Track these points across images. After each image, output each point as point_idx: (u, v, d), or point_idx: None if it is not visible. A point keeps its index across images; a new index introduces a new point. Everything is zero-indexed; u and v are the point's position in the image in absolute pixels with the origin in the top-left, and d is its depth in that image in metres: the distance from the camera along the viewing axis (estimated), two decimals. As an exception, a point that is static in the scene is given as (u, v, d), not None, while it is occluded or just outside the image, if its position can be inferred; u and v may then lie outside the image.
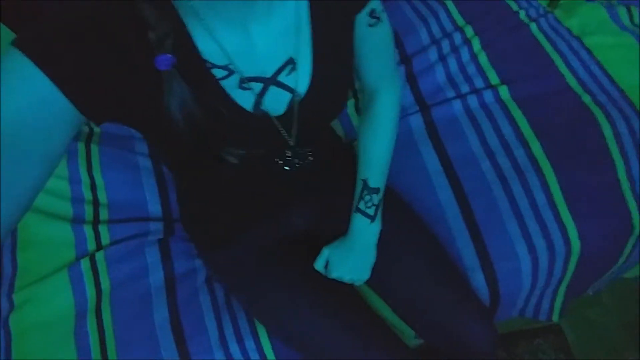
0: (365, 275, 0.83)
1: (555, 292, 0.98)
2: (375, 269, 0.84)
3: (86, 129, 1.16)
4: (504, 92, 1.05)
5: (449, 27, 1.18)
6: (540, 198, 0.93)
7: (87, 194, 1.07)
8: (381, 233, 0.83)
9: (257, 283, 0.82)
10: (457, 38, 1.15)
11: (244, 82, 0.56)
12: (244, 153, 0.59)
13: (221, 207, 0.82)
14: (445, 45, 1.15)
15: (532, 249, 0.92)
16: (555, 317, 1.04)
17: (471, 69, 1.11)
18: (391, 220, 0.86)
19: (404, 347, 0.84)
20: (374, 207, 0.80)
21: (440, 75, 1.12)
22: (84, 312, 0.94)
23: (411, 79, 1.12)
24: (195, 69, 0.53)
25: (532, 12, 1.17)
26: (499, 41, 1.12)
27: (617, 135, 0.95)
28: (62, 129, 0.46)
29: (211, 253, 0.87)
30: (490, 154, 1.00)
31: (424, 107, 1.08)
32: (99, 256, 0.98)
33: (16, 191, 0.44)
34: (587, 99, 1.00)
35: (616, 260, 0.97)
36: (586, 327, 1.37)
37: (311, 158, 0.72)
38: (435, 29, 1.19)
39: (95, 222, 1.03)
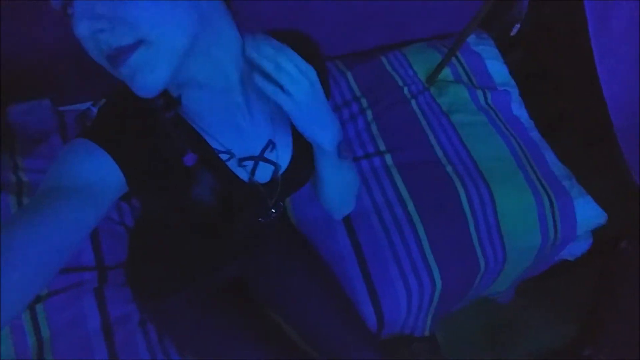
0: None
1: (425, 316, 1.28)
2: (285, 305, 1.07)
3: (13, 178, 1.23)
4: (388, 159, 1.31)
5: (348, 96, 1.42)
6: (414, 248, 1.21)
7: (21, 246, 1.14)
8: (290, 274, 1.06)
9: (193, 327, 0.99)
10: (355, 107, 1.39)
11: (241, 162, 0.74)
12: (247, 216, 0.79)
13: (171, 265, 0.97)
14: (346, 112, 1.38)
15: (407, 287, 1.19)
16: (426, 333, 1.34)
17: (365, 136, 1.36)
18: (298, 262, 1.09)
19: None
20: None
21: (340, 139, 1.35)
22: (26, 361, 1.04)
23: (317, 142, 1.34)
24: (210, 156, 0.70)
25: (414, 89, 1.44)
26: (387, 114, 1.38)
27: (469, 199, 1.25)
28: (109, 192, 0.60)
29: (152, 302, 1.01)
30: (378, 210, 1.25)
31: (327, 168, 1.31)
32: (39, 307, 1.08)
33: (74, 231, 0.54)
34: (449, 169, 1.30)
35: (468, 291, 1.29)
36: (452, 329, 1.72)
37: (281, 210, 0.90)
38: (338, 97, 1.42)
39: (31, 273, 1.12)
